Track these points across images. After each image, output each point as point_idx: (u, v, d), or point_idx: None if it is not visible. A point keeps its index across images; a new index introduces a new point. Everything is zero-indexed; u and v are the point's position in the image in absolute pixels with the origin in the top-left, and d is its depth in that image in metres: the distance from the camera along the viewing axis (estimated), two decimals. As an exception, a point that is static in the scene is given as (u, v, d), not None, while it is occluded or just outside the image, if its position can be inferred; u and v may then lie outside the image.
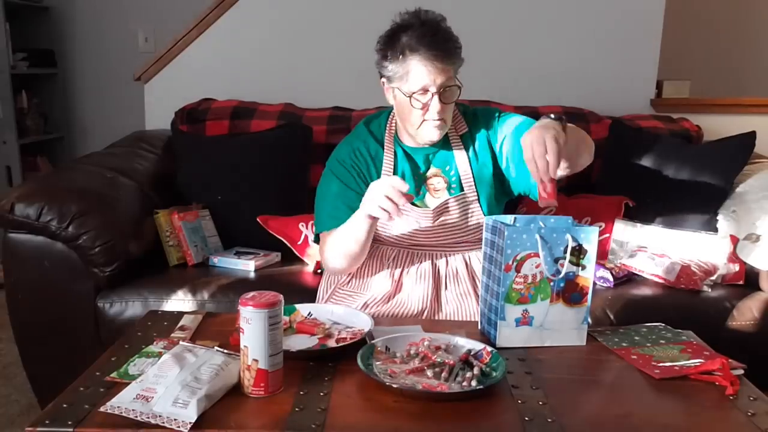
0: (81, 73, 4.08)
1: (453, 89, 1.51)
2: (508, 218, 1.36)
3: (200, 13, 2.72)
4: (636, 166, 2.25)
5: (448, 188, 1.61)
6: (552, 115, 1.37)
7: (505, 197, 1.66)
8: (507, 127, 1.61)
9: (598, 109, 2.49)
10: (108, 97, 4.03)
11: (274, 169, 2.24)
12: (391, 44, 1.50)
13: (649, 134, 2.37)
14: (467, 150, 1.62)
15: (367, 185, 1.60)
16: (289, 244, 2.12)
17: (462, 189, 1.60)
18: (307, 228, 2.11)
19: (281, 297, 1.08)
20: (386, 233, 1.61)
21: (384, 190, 1.34)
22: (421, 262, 1.59)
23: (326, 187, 1.64)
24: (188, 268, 2.04)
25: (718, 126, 2.55)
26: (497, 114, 1.65)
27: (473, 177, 1.60)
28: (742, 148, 2.20)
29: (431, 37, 1.46)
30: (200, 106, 2.46)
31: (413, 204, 1.59)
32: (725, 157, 2.19)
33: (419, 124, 1.53)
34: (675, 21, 3.02)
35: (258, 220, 2.14)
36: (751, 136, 2.20)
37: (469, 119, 1.65)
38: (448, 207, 1.59)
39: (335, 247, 1.55)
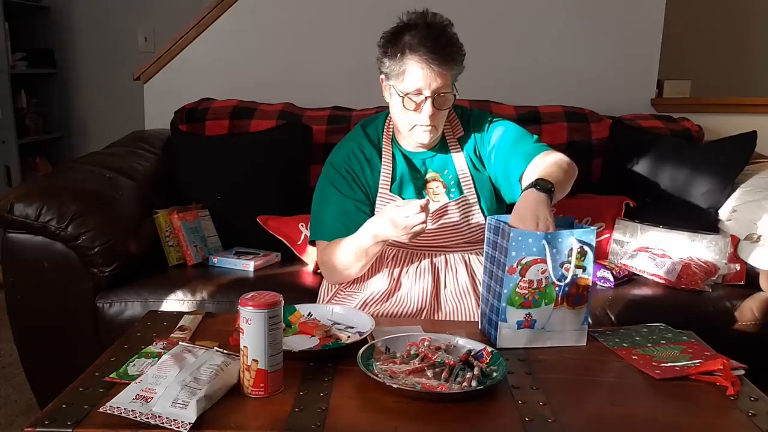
0: (80, 73, 4.08)
1: (447, 96, 1.50)
2: (509, 218, 1.36)
3: (200, 12, 2.72)
4: (636, 166, 2.24)
5: (447, 192, 1.61)
6: (538, 186, 1.32)
7: (503, 203, 1.66)
8: (494, 137, 1.61)
9: (598, 109, 2.49)
10: (107, 97, 4.03)
11: (273, 169, 2.24)
12: (393, 41, 1.50)
13: (649, 134, 2.36)
14: (465, 153, 1.62)
15: (363, 189, 1.60)
16: (288, 244, 2.12)
17: (461, 192, 1.60)
18: (306, 228, 2.10)
19: (281, 297, 1.08)
20: None
21: (403, 223, 1.35)
22: (420, 262, 1.59)
23: (323, 193, 1.64)
24: (188, 268, 2.04)
25: (719, 126, 2.55)
26: (489, 119, 1.65)
27: (473, 180, 1.60)
28: (742, 147, 2.20)
29: (434, 39, 1.46)
30: (200, 105, 2.45)
31: None
32: (726, 157, 2.19)
33: (410, 126, 1.53)
34: (675, 20, 3.02)
35: (258, 220, 2.14)
36: (752, 136, 2.19)
37: (465, 122, 1.65)
38: (447, 210, 1.59)
39: (339, 263, 1.55)
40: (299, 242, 2.10)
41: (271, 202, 2.18)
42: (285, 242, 2.12)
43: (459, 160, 1.61)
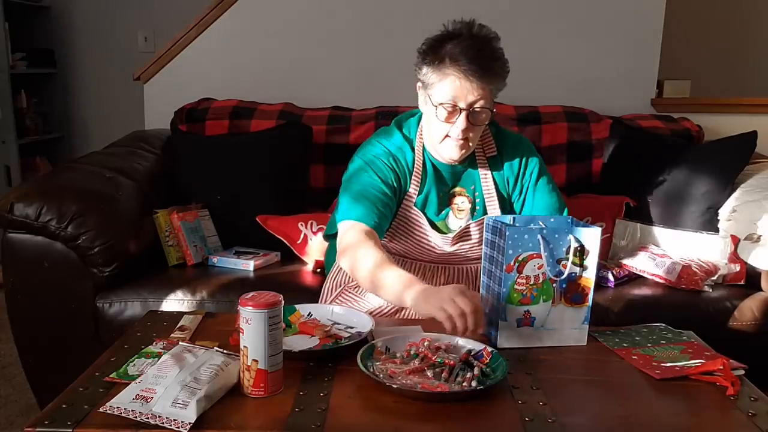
0: (80, 73, 4.08)
1: (484, 111, 1.44)
2: (507, 218, 1.36)
3: (200, 12, 2.72)
4: (636, 166, 2.24)
5: (472, 209, 1.57)
6: None
7: None
8: (527, 179, 1.58)
9: (598, 109, 2.49)
10: (107, 97, 4.03)
11: (273, 168, 2.24)
12: (435, 49, 1.44)
13: (649, 134, 2.36)
14: (493, 173, 1.57)
15: (398, 185, 1.52)
16: (288, 244, 2.12)
17: (486, 212, 1.56)
18: (306, 228, 2.10)
19: (281, 297, 1.08)
20: (398, 246, 1.60)
21: (465, 308, 1.20)
22: (433, 278, 1.57)
23: (358, 178, 1.52)
24: (187, 268, 2.04)
25: (719, 126, 2.55)
26: (523, 155, 1.58)
27: (498, 200, 1.57)
28: (743, 147, 2.20)
29: (476, 51, 1.40)
30: (200, 105, 2.46)
31: (434, 228, 1.55)
32: (726, 157, 2.19)
33: (442, 138, 1.47)
34: (676, 20, 3.02)
35: (257, 219, 2.14)
36: (752, 136, 2.19)
37: (500, 143, 1.59)
38: (469, 231, 1.55)
39: (355, 269, 1.41)
40: (299, 242, 2.11)
41: (271, 202, 2.18)
42: (285, 242, 2.12)
43: (487, 179, 1.56)
